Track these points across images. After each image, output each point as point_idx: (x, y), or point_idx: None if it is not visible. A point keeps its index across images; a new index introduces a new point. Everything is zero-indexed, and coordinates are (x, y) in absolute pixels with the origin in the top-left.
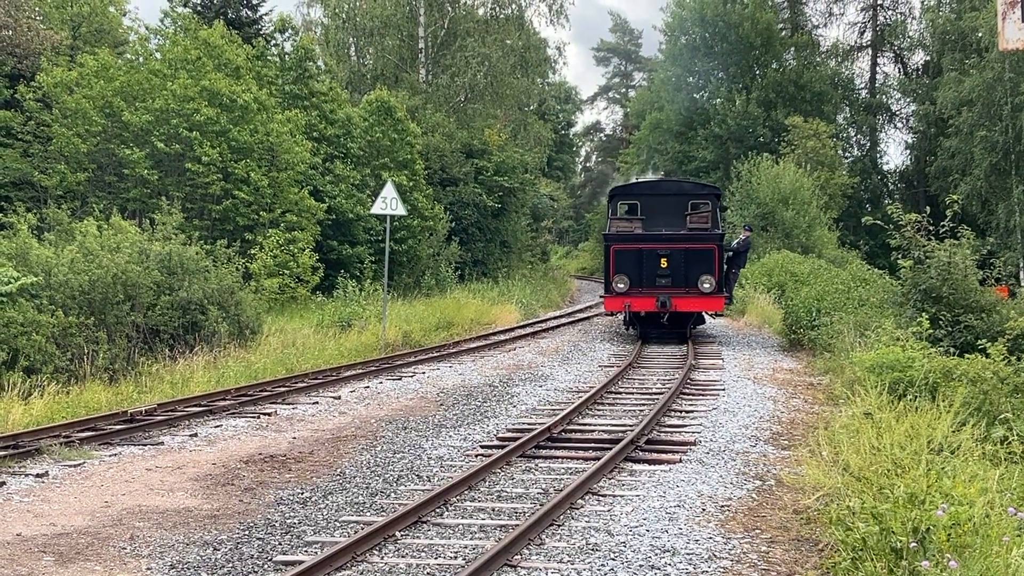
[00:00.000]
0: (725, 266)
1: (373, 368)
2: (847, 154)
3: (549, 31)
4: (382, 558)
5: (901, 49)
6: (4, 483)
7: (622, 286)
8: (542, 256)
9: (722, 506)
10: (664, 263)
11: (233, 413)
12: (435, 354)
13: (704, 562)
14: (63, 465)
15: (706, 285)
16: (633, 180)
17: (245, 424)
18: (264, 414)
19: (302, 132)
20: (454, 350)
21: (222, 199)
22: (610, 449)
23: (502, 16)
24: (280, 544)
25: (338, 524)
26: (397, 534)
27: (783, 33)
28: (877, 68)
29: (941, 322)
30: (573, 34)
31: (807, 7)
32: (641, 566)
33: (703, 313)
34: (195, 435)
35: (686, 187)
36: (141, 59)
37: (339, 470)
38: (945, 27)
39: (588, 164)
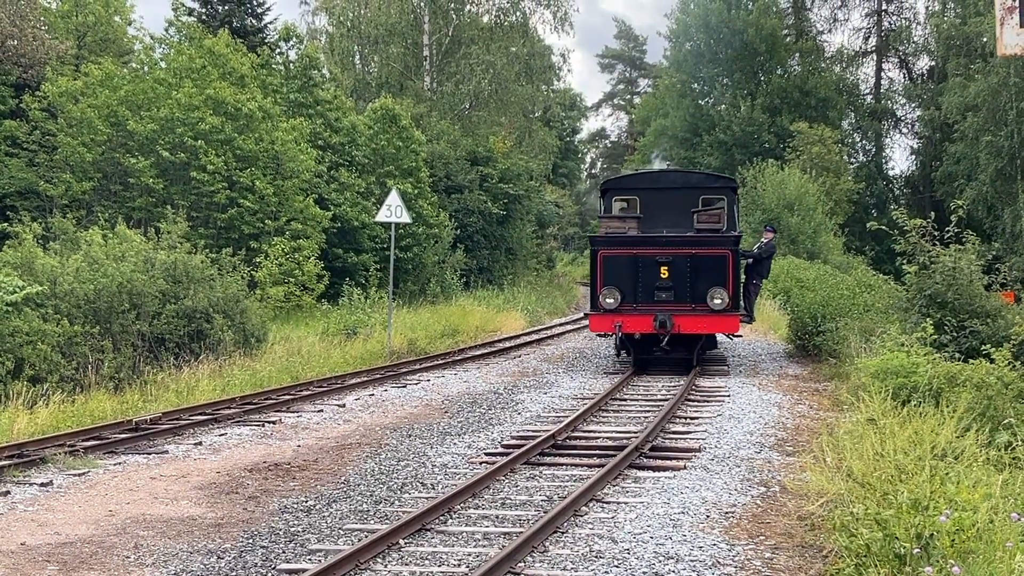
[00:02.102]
0: (743, 276)
1: (378, 376)
2: (852, 160)
3: (553, 38)
4: (386, 566)
5: (906, 54)
6: (9, 492)
7: (611, 301)
8: (547, 263)
9: (726, 513)
10: (665, 272)
11: (238, 421)
12: (440, 361)
13: (708, 569)
14: (68, 474)
15: (717, 300)
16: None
17: (250, 432)
18: (269, 422)
19: (307, 140)
20: (459, 357)
21: (227, 207)
22: (614, 456)
23: (506, 24)
24: (284, 552)
25: (342, 532)
26: (401, 542)
27: (787, 39)
28: (882, 73)
29: (946, 327)
30: (577, 41)
31: (811, 13)
32: (645, 573)
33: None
34: (200, 444)
35: (694, 179)
36: (146, 68)
37: (343, 478)
38: (950, 32)
39: (593, 171)
